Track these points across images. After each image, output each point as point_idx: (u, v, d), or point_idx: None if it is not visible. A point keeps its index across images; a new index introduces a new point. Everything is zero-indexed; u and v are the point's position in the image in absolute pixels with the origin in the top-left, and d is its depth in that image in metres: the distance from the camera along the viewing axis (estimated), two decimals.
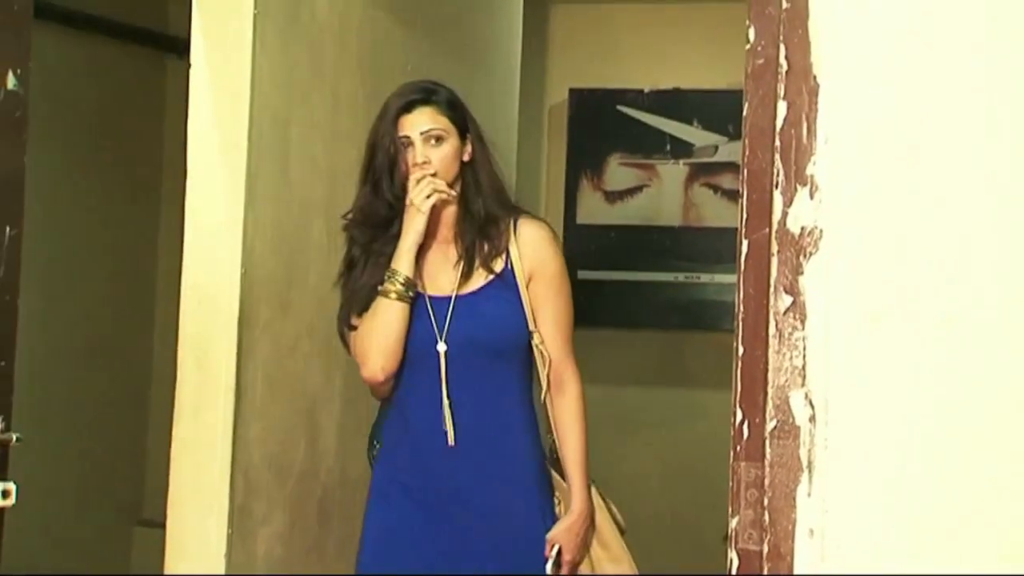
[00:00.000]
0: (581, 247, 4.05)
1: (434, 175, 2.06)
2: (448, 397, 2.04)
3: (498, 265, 2.12)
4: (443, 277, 2.13)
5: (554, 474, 2.16)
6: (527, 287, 2.12)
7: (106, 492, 3.61)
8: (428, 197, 2.03)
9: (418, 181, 2.03)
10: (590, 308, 3.56)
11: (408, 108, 2.10)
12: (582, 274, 3.91)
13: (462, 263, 2.11)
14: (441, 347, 2.06)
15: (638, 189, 3.97)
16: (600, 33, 4.21)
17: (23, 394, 1.79)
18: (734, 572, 1.38)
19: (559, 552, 2.06)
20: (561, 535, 2.08)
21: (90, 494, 3.51)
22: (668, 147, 4.06)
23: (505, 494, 2.10)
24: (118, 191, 3.67)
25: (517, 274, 2.12)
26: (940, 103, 1.31)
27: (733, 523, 1.39)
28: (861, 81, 1.34)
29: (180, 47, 2.93)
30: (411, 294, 2.06)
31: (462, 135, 2.13)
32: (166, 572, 2.41)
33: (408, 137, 2.08)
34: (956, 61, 1.31)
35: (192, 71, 2.48)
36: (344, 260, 2.18)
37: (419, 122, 2.08)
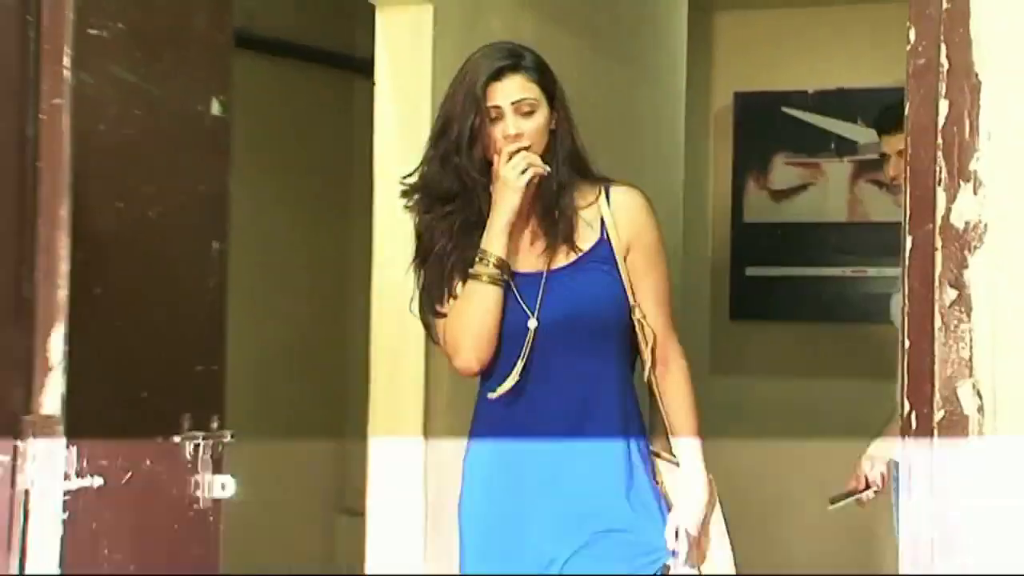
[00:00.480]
0: (748, 245, 4.29)
1: (527, 148, 1.92)
2: (538, 379, 1.93)
3: (588, 237, 1.99)
4: (531, 254, 2.00)
5: (660, 460, 2.01)
6: (625, 259, 1.98)
7: (310, 483, 3.94)
8: (523, 172, 1.89)
9: (511, 155, 1.90)
10: (760, 303, 3.64)
11: (498, 75, 1.94)
12: (750, 271, 4.18)
13: (545, 238, 1.98)
14: (532, 323, 1.93)
15: (803, 187, 4.14)
16: (763, 38, 4.42)
17: (234, 396, 1.97)
18: (904, 566, 1.43)
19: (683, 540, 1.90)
20: (687, 519, 1.93)
21: (295, 485, 3.84)
22: (833, 145, 4.24)
23: (616, 481, 1.95)
24: (312, 205, 4.00)
25: (614, 245, 1.99)
26: None
27: (898, 515, 1.46)
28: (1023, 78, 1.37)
29: (366, 68, 3.13)
30: (505, 277, 1.93)
31: (550, 102, 1.99)
32: (367, 561, 2.63)
33: (499, 107, 1.94)
34: None
35: (376, 89, 2.70)
36: (419, 240, 2.05)
37: (510, 91, 1.94)
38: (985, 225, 1.38)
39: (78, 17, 1.59)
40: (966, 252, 1.40)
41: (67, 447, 1.55)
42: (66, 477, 1.55)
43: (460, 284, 1.96)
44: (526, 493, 1.96)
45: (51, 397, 1.56)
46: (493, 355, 1.95)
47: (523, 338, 1.91)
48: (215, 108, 1.89)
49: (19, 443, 1.55)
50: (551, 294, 1.94)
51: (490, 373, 1.99)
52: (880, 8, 3.61)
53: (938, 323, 1.40)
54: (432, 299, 1.99)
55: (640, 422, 2.03)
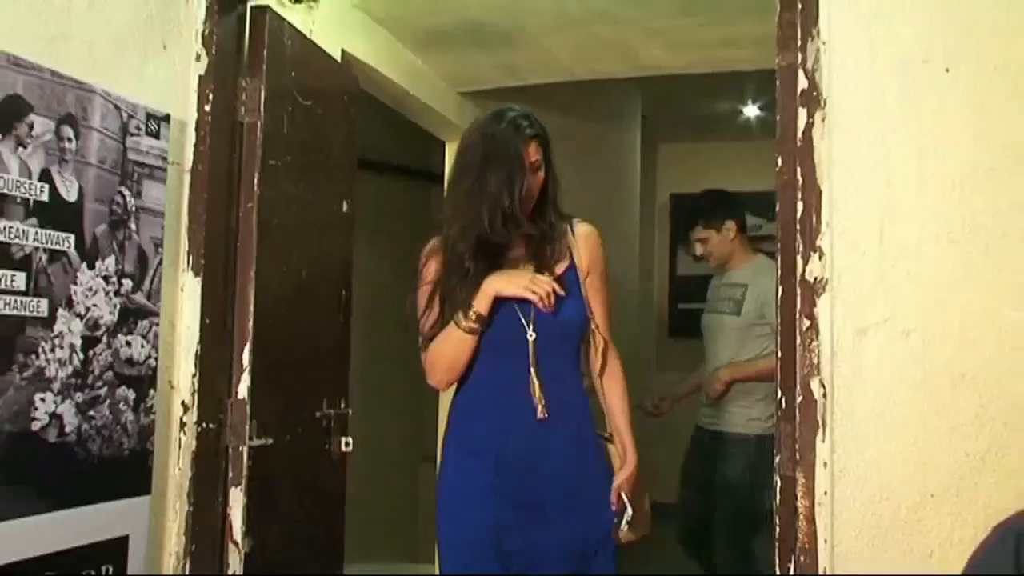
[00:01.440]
0: (680, 289, 6.86)
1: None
2: (537, 378, 2.14)
3: (562, 262, 2.25)
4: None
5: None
6: (584, 280, 2.26)
7: (401, 440, 5.05)
8: (536, 294, 2.13)
9: (536, 279, 2.15)
10: (687, 326, 4.95)
11: (533, 137, 2.20)
12: (681, 305, 6.79)
13: (534, 263, 2.22)
14: (531, 336, 2.15)
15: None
16: (688, 159, 6.99)
17: (352, 385, 2.80)
18: (778, 492, 2.08)
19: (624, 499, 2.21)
20: (624, 483, 2.22)
21: (390, 442, 4.91)
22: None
23: (583, 457, 2.22)
24: (404, 268, 4.96)
25: (579, 270, 2.26)
26: (896, 208, 2.00)
27: (777, 459, 2.09)
28: (848, 190, 2.04)
29: (440, 179, 4.01)
30: (480, 329, 2.15)
31: (546, 162, 2.25)
32: None
33: (536, 162, 2.20)
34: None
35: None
36: (451, 272, 2.20)
37: (535, 152, 2.21)
38: (826, 279, 2.04)
39: (263, 153, 2.45)
40: (815, 296, 2.04)
41: (251, 419, 2.38)
42: (250, 438, 2.38)
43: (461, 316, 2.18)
44: (509, 474, 2.17)
45: (243, 387, 2.40)
46: (483, 355, 2.20)
47: (522, 346, 2.15)
48: (345, 207, 2.73)
49: (222, 416, 2.40)
50: (541, 310, 2.16)
51: (476, 368, 2.23)
52: (757, 144, 5.30)
53: (798, 341, 2.05)
54: (434, 332, 2.22)
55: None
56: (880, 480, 2.00)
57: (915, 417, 1.99)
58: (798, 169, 2.12)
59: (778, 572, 2.11)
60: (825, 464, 2.04)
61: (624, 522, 2.20)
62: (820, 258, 2.09)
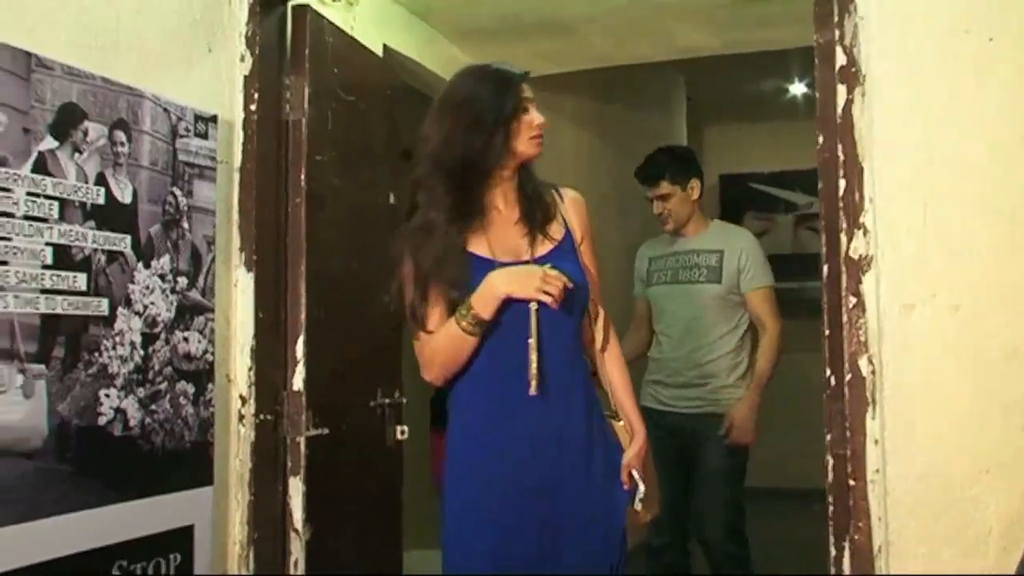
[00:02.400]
0: None
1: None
2: (538, 350, 1.95)
3: (557, 229, 2.08)
4: (514, 244, 2.04)
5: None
6: (579, 247, 2.11)
7: None
8: (548, 294, 1.93)
9: (548, 276, 1.95)
10: None
11: (523, 78, 2.05)
12: None
13: (528, 231, 2.05)
14: (533, 305, 1.95)
15: (764, 232, 6.01)
16: (735, 140, 6.92)
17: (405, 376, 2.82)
18: (830, 470, 2.09)
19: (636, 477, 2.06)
20: (635, 460, 2.07)
21: None
22: (781, 206, 6.69)
23: (590, 433, 2.04)
24: None
25: (575, 238, 2.11)
26: (939, 182, 2.01)
27: (828, 438, 2.10)
28: (890, 166, 2.05)
29: None
30: (481, 331, 1.96)
31: None
32: None
33: (532, 99, 2.04)
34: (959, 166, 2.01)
35: None
36: (422, 211, 2.01)
37: (528, 90, 2.06)
38: (871, 256, 2.04)
39: (309, 149, 2.51)
40: (861, 273, 2.05)
41: (307, 410, 2.44)
42: (307, 428, 2.44)
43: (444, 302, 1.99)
44: (509, 458, 1.99)
45: (297, 379, 2.45)
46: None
47: (524, 316, 1.95)
48: (390, 199, 2.78)
49: (279, 407, 2.47)
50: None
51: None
52: (805, 123, 4.90)
53: (845, 318, 2.06)
54: (423, 292, 2.00)
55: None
56: (932, 456, 2.00)
57: (966, 393, 1.98)
58: (839, 146, 2.13)
59: (832, 551, 2.11)
60: (876, 441, 2.05)
61: (637, 500, 2.06)
62: (864, 235, 2.09)
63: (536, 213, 2.08)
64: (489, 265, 2.00)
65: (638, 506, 2.06)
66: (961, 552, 1.93)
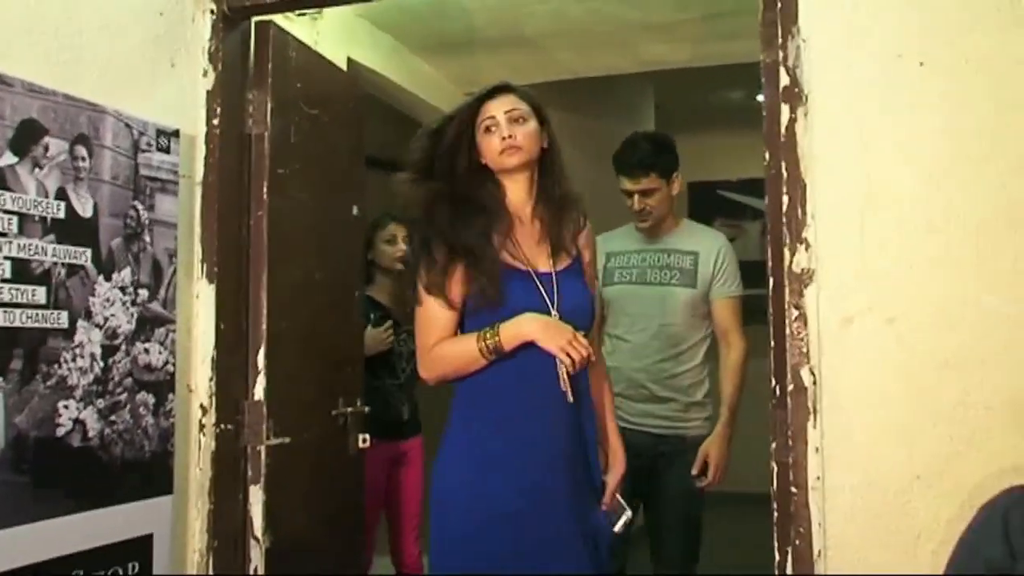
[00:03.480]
0: None
1: (520, 149, 2.06)
2: (543, 355, 2.02)
3: (574, 249, 2.20)
4: (534, 254, 2.13)
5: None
6: (586, 270, 2.24)
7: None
8: (571, 359, 2.01)
9: (577, 342, 2.03)
10: None
11: (491, 95, 2.12)
12: None
13: (549, 242, 2.14)
14: (554, 313, 2.05)
15: (732, 239, 5.92)
16: (705, 149, 6.81)
17: None
18: (774, 477, 2.13)
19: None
20: (620, 484, 2.20)
21: None
22: (749, 213, 6.87)
23: (590, 440, 2.16)
24: None
25: (584, 260, 2.24)
26: (876, 199, 2.05)
27: (772, 446, 2.14)
28: (830, 182, 2.10)
29: None
30: (495, 357, 2.03)
31: (540, 123, 2.16)
32: None
33: (493, 118, 2.09)
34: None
35: None
36: (429, 244, 2.08)
37: (503, 104, 2.11)
38: (813, 271, 2.10)
39: (271, 163, 2.55)
40: (803, 287, 2.11)
41: (268, 419, 2.48)
42: (268, 437, 2.48)
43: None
44: (529, 457, 2.06)
45: (259, 389, 2.49)
46: None
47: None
48: (354, 211, 2.82)
49: (240, 417, 2.50)
50: (562, 289, 2.10)
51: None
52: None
53: (788, 331, 2.11)
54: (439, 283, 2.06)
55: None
56: (869, 464, 2.05)
57: (900, 403, 2.04)
58: (783, 164, 2.18)
59: (776, 555, 2.17)
60: (816, 449, 2.10)
61: (621, 524, 2.11)
62: (806, 249, 2.15)
63: (562, 228, 2.16)
64: (517, 273, 2.09)
65: (618, 530, 2.13)
66: (894, 555, 2.00)
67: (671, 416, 3.03)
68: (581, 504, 2.12)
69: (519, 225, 2.14)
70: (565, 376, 2.04)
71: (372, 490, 3.07)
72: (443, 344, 2.07)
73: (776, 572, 2.17)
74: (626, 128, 5.72)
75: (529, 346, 2.04)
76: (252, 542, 2.47)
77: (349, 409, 2.71)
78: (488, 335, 2.02)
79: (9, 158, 1.95)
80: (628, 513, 2.12)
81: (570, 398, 2.04)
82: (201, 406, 2.45)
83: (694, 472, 2.94)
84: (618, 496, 2.13)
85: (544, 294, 2.10)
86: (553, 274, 2.12)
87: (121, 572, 2.14)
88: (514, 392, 2.06)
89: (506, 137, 2.09)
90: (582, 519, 2.11)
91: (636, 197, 3.06)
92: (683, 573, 3.07)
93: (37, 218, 2.00)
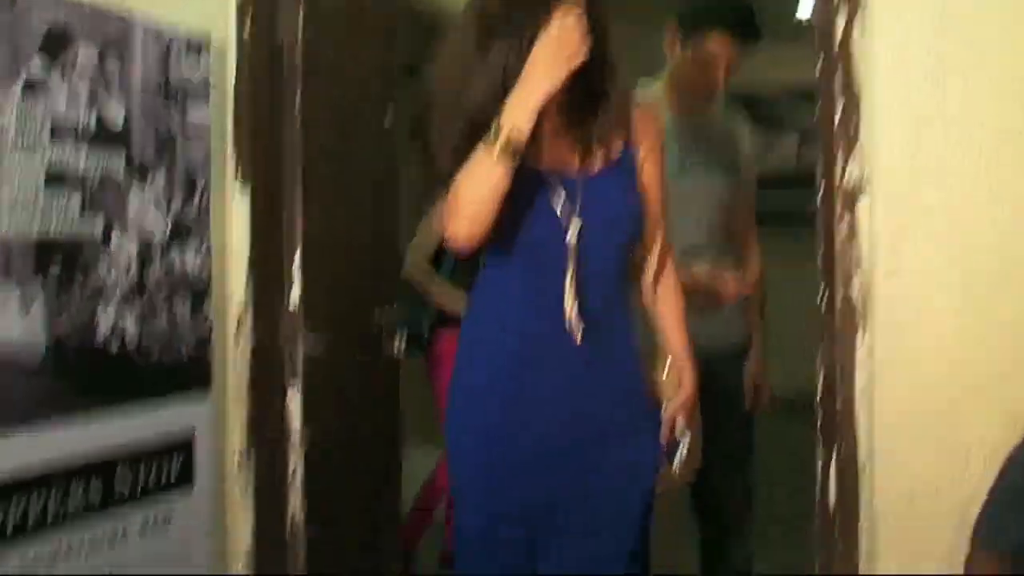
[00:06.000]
0: None
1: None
2: (575, 291, 1.69)
3: (617, 147, 1.78)
4: (560, 153, 1.75)
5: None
6: (643, 166, 1.82)
7: None
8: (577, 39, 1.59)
9: (566, 17, 1.60)
10: None
11: None
12: None
13: (580, 140, 1.74)
14: (571, 238, 1.69)
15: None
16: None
17: None
18: (820, 384, 2.10)
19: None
20: (681, 411, 1.86)
21: None
22: (785, 124, 6.63)
23: (627, 400, 1.82)
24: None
25: (636, 157, 1.81)
26: (934, 112, 1.97)
27: (820, 352, 2.10)
28: (887, 92, 2.02)
29: None
30: (518, 157, 1.60)
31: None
32: None
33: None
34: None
35: None
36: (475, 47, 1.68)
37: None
38: (865, 181, 2.02)
39: (304, 72, 2.45)
40: (855, 197, 2.04)
41: (303, 325, 2.45)
42: (304, 341, 2.47)
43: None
44: (530, 413, 1.76)
45: (294, 295, 2.46)
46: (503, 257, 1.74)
47: (559, 248, 1.70)
48: (387, 118, 2.71)
49: (276, 321, 2.48)
50: (588, 202, 1.72)
51: (495, 271, 1.79)
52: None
53: (839, 237, 2.06)
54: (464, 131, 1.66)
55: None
56: (918, 375, 2.02)
57: (952, 318, 2.00)
58: (837, 71, 2.09)
59: (819, 462, 2.15)
60: (865, 357, 2.06)
61: (677, 461, 1.85)
62: (859, 160, 2.08)
63: (591, 124, 1.74)
64: (529, 173, 1.68)
65: (675, 469, 1.86)
66: (943, 468, 1.97)
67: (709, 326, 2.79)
68: (619, 436, 1.81)
69: (546, 121, 1.70)
70: (574, 313, 1.69)
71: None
72: (455, 181, 1.67)
73: (819, 479, 2.15)
74: (653, 34, 5.52)
75: (530, 276, 1.74)
76: (290, 444, 2.49)
77: (387, 312, 2.69)
78: (491, 131, 1.61)
79: (38, 67, 1.91)
80: (684, 446, 1.85)
81: (578, 341, 1.70)
82: (237, 311, 2.44)
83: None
84: (679, 424, 1.84)
85: (558, 211, 1.72)
86: (577, 180, 1.74)
87: (167, 466, 2.18)
88: (514, 336, 1.76)
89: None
90: (612, 466, 1.80)
91: (716, 59, 2.47)
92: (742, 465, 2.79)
93: (69, 126, 1.97)
